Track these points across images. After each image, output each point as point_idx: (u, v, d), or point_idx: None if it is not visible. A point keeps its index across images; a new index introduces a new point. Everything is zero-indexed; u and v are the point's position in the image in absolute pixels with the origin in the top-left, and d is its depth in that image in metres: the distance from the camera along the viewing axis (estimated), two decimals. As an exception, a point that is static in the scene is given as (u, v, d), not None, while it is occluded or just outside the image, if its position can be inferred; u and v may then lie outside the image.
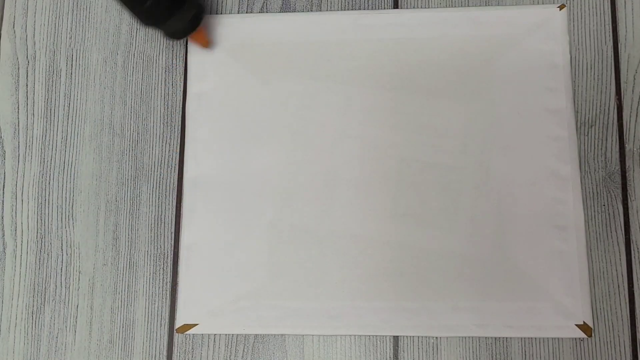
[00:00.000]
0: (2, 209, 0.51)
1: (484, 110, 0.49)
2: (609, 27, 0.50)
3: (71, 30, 0.53)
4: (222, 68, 0.51)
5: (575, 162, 0.47)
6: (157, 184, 0.50)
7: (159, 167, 0.51)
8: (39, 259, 0.50)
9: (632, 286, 0.47)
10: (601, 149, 0.49)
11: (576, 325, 0.45)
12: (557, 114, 0.48)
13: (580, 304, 0.45)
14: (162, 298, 0.49)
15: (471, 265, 0.46)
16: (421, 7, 0.51)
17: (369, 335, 0.47)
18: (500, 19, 0.50)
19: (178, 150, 0.51)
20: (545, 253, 0.46)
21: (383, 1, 0.52)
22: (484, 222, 0.47)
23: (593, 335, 0.46)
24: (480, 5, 0.51)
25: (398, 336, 0.47)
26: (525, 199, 0.47)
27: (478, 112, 0.49)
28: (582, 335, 0.45)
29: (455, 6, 0.51)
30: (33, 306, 0.49)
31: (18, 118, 0.52)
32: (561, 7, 0.50)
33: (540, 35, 0.49)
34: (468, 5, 0.51)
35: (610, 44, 0.50)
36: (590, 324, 0.45)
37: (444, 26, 0.50)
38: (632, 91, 0.49)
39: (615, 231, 0.47)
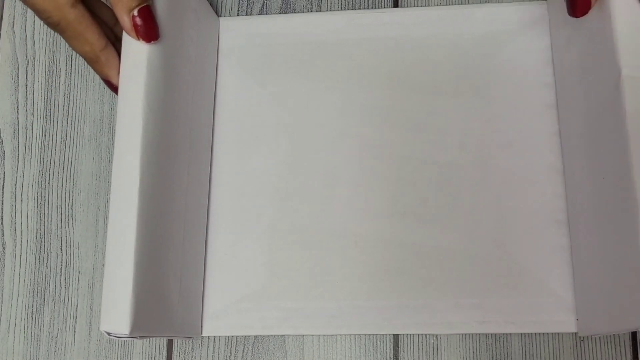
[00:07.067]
0: (2, 209, 0.51)
1: (482, 107, 0.48)
2: (608, 27, 0.50)
3: (71, 30, 0.53)
4: (221, 69, 0.51)
5: None
6: (157, 184, 0.50)
7: (158, 167, 0.51)
8: (39, 259, 0.50)
9: (633, 285, 0.47)
10: (601, 148, 0.49)
11: (577, 319, 0.45)
12: (554, 109, 0.48)
13: None
14: (162, 298, 0.49)
15: (472, 262, 0.46)
16: (421, 6, 0.51)
17: (369, 336, 0.47)
18: (495, 16, 0.50)
19: (178, 150, 0.51)
20: (546, 248, 0.46)
21: (383, 0, 0.52)
22: (484, 218, 0.47)
23: (594, 334, 0.46)
24: (476, 3, 0.51)
25: (398, 337, 0.47)
26: (524, 194, 0.47)
27: (476, 109, 0.48)
28: (584, 329, 0.45)
29: (452, 4, 0.51)
30: (33, 306, 0.49)
31: (17, 118, 0.52)
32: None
33: (536, 31, 0.49)
34: (465, 3, 0.51)
35: (610, 43, 0.50)
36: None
37: (440, 24, 0.50)
38: (632, 90, 0.49)
39: (616, 231, 0.47)
